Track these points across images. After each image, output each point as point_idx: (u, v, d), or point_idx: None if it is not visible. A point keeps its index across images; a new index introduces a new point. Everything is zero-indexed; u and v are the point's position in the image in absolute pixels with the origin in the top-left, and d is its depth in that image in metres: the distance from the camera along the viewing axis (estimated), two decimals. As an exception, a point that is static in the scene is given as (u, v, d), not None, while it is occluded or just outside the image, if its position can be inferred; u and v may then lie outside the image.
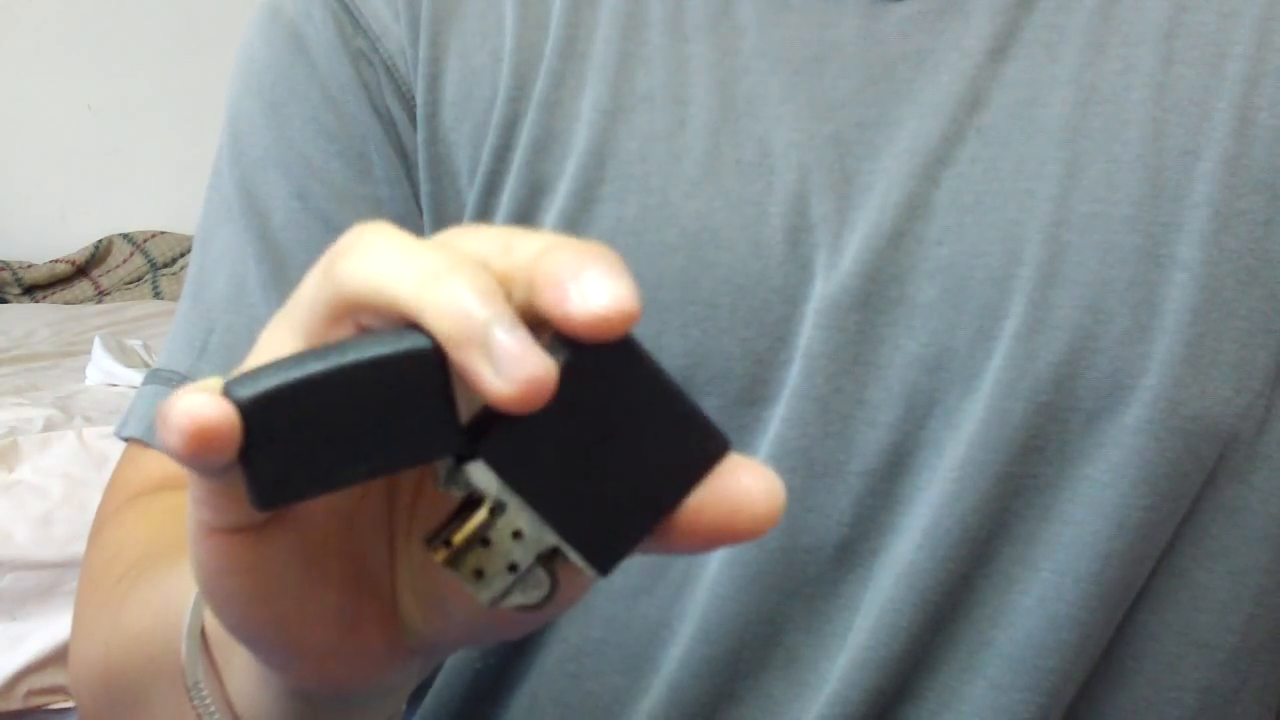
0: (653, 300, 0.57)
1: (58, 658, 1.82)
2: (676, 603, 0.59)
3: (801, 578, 0.58)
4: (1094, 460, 0.56)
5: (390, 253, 0.32)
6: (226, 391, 0.30)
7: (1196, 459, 0.57)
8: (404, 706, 0.47)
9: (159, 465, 0.64)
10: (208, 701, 0.45)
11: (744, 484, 0.33)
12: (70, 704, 1.85)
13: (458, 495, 0.32)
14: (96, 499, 1.75)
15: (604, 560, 0.33)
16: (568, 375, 0.31)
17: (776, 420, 0.57)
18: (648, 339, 0.56)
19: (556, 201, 0.59)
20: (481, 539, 0.32)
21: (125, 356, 2.26)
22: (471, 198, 0.61)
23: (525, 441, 0.31)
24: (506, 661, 0.62)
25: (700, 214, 0.58)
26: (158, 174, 3.06)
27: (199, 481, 0.33)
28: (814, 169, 0.58)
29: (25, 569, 1.82)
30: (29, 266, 2.98)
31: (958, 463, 0.56)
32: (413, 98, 0.62)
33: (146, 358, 2.27)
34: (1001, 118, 0.58)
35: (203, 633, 0.46)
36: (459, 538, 0.32)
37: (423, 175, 0.62)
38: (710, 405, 0.57)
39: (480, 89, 0.61)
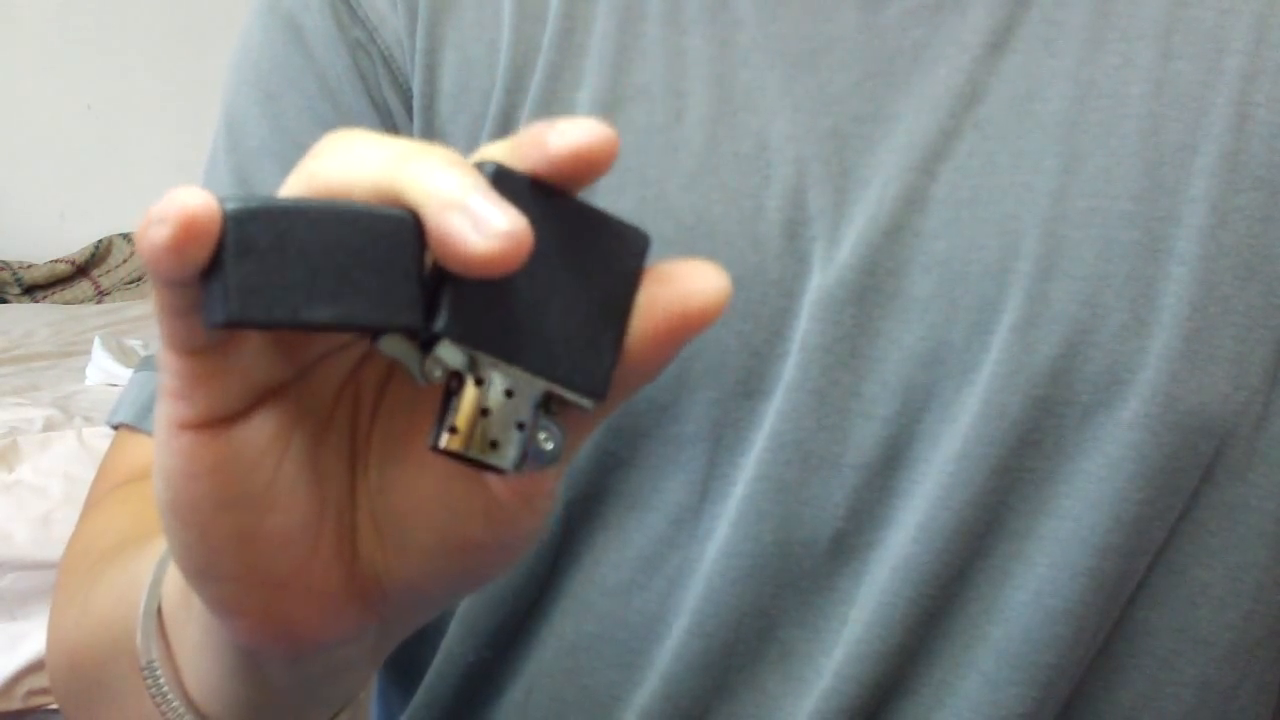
0: None
1: (58, 658, 1.83)
2: (671, 596, 0.59)
3: (796, 571, 0.58)
4: (1090, 454, 0.56)
5: (363, 144, 0.34)
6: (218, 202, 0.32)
7: (1193, 454, 0.57)
8: (360, 695, 0.46)
9: (146, 453, 0.64)
10: (161, 683, 0.45)
11: (684, 271, 0.34)
12: (70, 704, 1.85)
13: (440, 380, 0.33)
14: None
15: (595, 385, 0.34)
16: None
17: (772, 413, 0.57)
18: None
19: None
20: (481, 411, 0.33)
21: (125, 357, 2.27)
22: None
23: (476, 305, 0.33)
24: (500, 656, 0.62)
25: (697, 207, 0.58)
26: (158, 174, 3.06)
27: (175, 368, 0.34)
28: (811, 162, 0.58)
29: (25, 569, 1.82)
30: (29, 266, 2.98)
31: (953, 456, 0.56)
32: (410, 89, 0.62)
33: (146, 358, 2.27)
34: (999, 112, 0.58)
35: (159, 614, 0.46)
36: (461, 419, 0.33)
37: None
38: (706, 398, 0.57)
39: (477, 80, 0.61)
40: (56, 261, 2.99)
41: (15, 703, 1.81)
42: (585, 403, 0.34)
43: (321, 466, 0.37)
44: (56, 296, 2.96)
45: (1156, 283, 0.56)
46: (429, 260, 0.33)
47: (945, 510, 0.56)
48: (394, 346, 0.33)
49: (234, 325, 0.32)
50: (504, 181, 0.33)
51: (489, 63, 0.61)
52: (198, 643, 0.44)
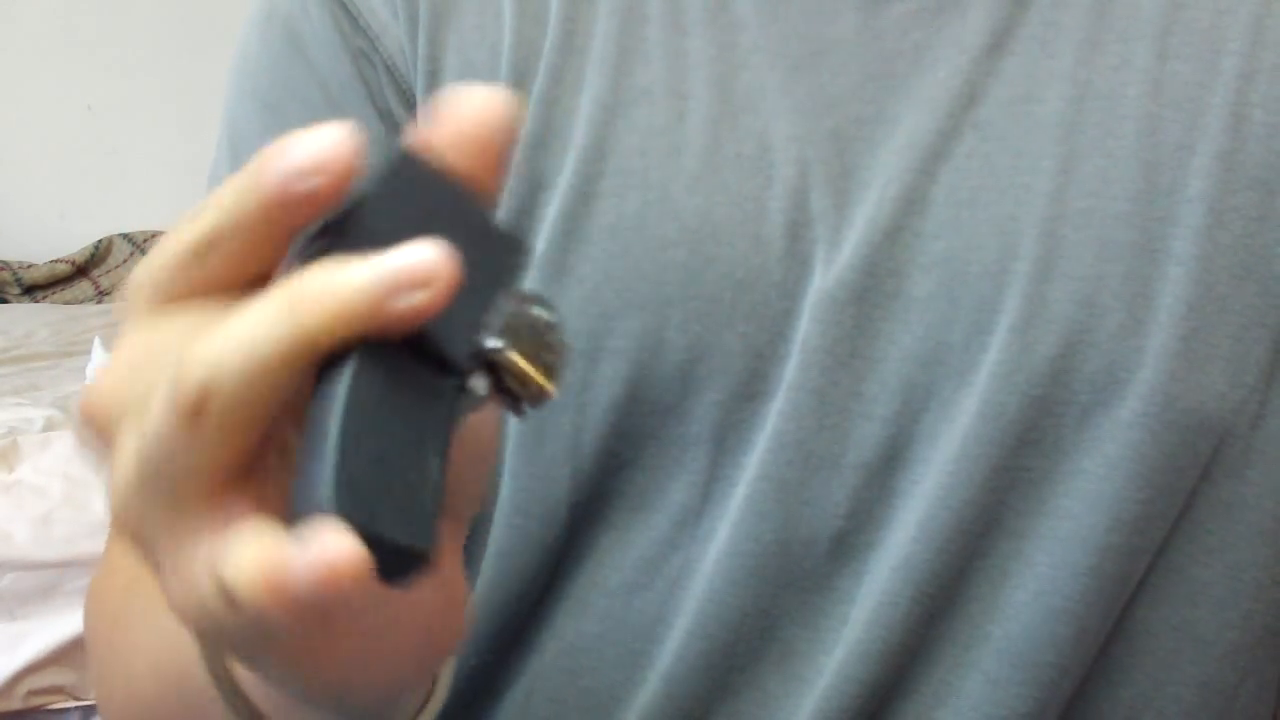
0: (654, 295, 0.58)
1: (58, 658, 1.83)
2: (673, 597, 0.59)
3: (797, 571, 0.58)
4: (1089, 454, 0.56)
5: (233, 333, 0.32)
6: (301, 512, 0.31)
7: (1192, 453, 0.57)
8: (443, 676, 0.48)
9: None
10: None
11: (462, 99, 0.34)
12: (70, 704, 1.85)
13: (487, 384, 0.34)
14: (97, 499, 1.75)
15: (520, 249, 0.35)
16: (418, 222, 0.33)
17: (774, 414, 0.57)
18: (649, 334, 0.57)
19: (556, 197, 0.59)
20: (526, 356, 0.34)
21: (125, 356, 2.26)
22: None
23: (445, 313, 0.32)
24: (500, 659, 0.62)
25: (701, 209, 0.58)
26: (158, 174, 3.06)
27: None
28: (813, 164, 0.58)
29: (25, 569, 1.82)
30: (29, 266, 2.98)
31: (953, 456, 0.56)
32: (413, 95, 0.62)
33: (146, 358, 2.27)
34: (998, 113, 0.58)
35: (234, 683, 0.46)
36: (532, 382, 0.34)
37: None
38: (710, 399, 0.58)
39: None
40: (56, 261, 2.99)
41: (15, 703, 1.81)
42: (524, 263, 0.35)
43: None
44: (56, 296, 2.96)
45: (1154, 283, 0.56)
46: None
47: (945, 510, 0.56)
48: (469, 408, 0.34)
49: (432, 558, 0.32)
50: (401, 172, 0.33)
51: (490, 67, 0.61)
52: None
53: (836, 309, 0.57)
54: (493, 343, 0.34)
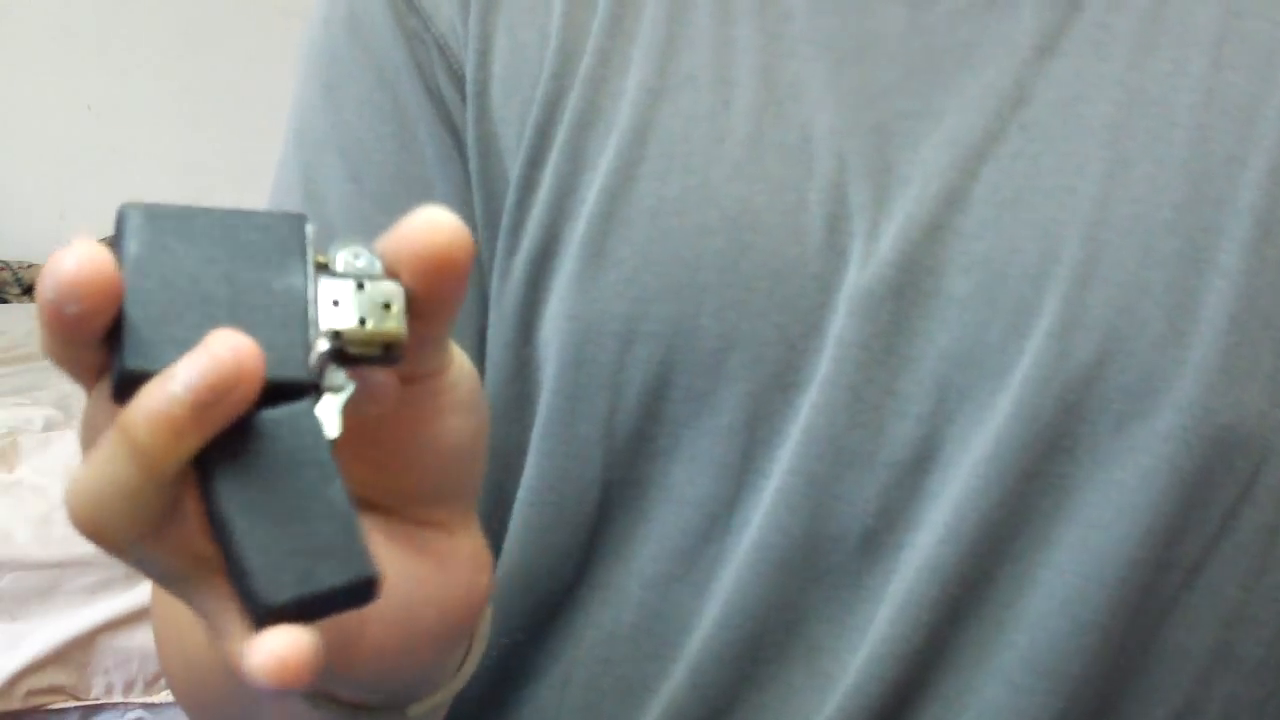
0: (690, 281, 0.57)
1: (58, 658, 1.83)
2: (705, 589, 0.59)
3: (825, 566, 0.58)
4: (1123, 464, 0.55)
5: (88, 510, 0.34)
6: (263, 620, 0.33)
7: (1229, 470, 0.55)
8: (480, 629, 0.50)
9: None
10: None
11: (420, 215, 0.35)
12: (70, 704, 1.85)
13: (344, 373, 0.35)
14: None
15: (289, 221, 0.35)
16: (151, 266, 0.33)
17: (807, 407, 0.57)
18: (684, 319, 0.57)
19: (598, 178, 0.59)
20: (360, 322, 0.35)
21: (125, 356, 2.26)
22: (515, 173, 0.61)
23: (268, 341, 0.33)
24: (535, 640, 0.62)
25: (741, 197, 0.58)
26: (158, 174, 3.06)
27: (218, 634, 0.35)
28: (854, 157, 0.58)
29: (25, 569, 1.82)
30: (29, 266, 2.98)
31: (984, 458, 0.56)
32: (464, 76, 0.62)
33: (146, 358, 2.27)
34: (1046, 114, 0.57)
35: None
36: (383, 332, 0.35)
37: (471, 152, 0.62)
38: (742, 390, 0.57)
39: (527, 65, 0.61)
40: (56, 261, 2.99)
41: (15, 703, 1.81)
42: (309, 231, 0.35)
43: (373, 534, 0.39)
44: (56, 296, 2.96)
45: (1197, 294, 0.55)
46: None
47: (974, 512, 0.56)
48: (332, 424, 0.34)
49: (379, 576, 0.34)
50: (146, 224, 0.34)
51: (539, 48, 0.61)
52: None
53: (873, 304, 0.56)
54: (321, 341, 0.34)
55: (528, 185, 0.60)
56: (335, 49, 0.64)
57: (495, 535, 0.64)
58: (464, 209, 0.62)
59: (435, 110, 0.62)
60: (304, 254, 0.35)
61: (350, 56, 0.63)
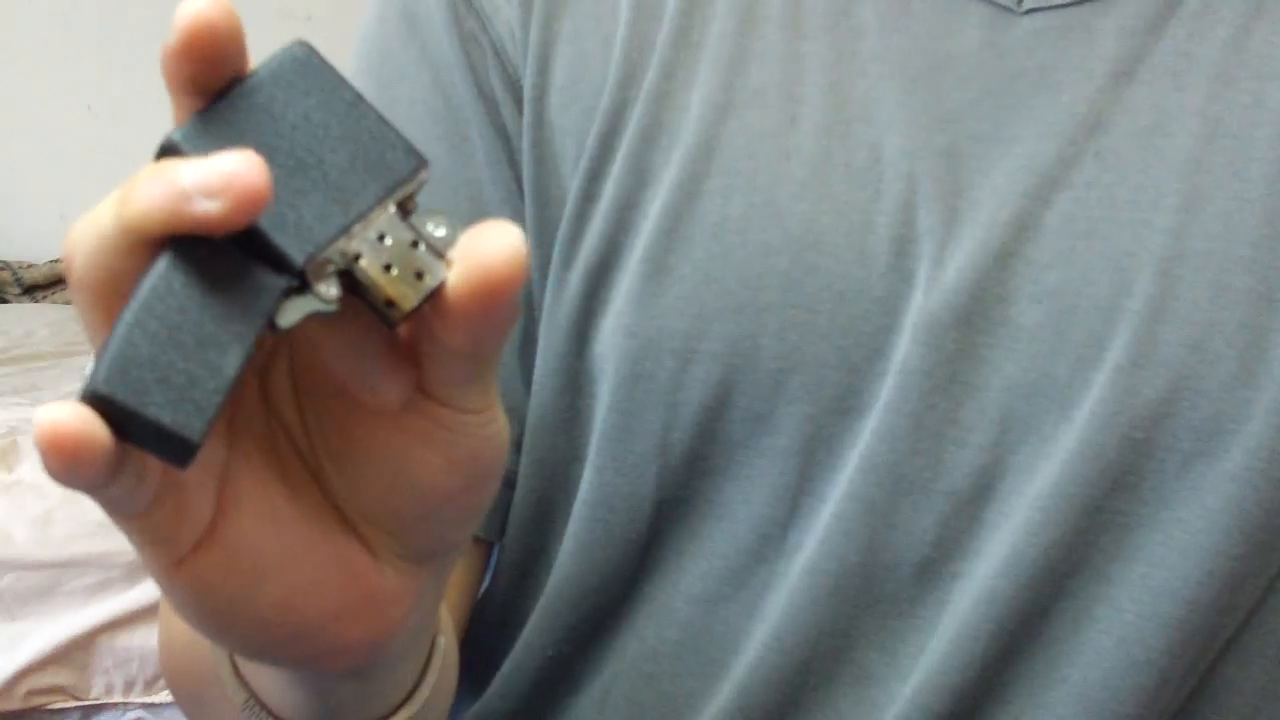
0: (752, 301, 0.57)
1: (58, 658, 1.83)
2: (755, 610, 0.58)
3: (879, 593, 0.57)
4: (1188, 504, 0.54)
5: (83, 230, 0.34)
6: (81, 397, 0.32)
7: None
8: (435, 660, 0.48)
9: None
10: (261, 714, 0.46)
11: (477, 238, 0.34)
12: (70, 704, 1.85)
13: (342, 292, 0.34)
14: (96, 499, 1.68)
15: (410, 160, 0.35)
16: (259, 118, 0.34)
17: (867, 433, 0.56)
18: (745, 339, 0.57)
19: (661, 193, 0.58)
20: (386, 269, 0.34)
21: (125, 356, 2.26)
22: (575, 185, 0.60)
23: (291, 219, 0.34)
24: (581, 652, 0.62)
25: (806, 217, 0.57)
26: (158, 174, 3.06)
27: (136, 529, 0.34)
28: (924, 179, 0.57)
29: (25, 569, 1.82)
30: (29, 266, 2.97)
31: (1046, 492, 0.55)
32: (519, 80, 0.61)
33: (146, 358, 2.27)
34: (1122, 143, 0.56)
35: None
36: (386, 290, 0.34)
37: (526, 159, 0.61)
38: (801, 412, 0.56)
39: (590, 74, 0.60)
40: (56, 261, 2.99)
41: (15, 703, 1.81)
42: (420, 176, 0.35)
43: (302, 504, 0.38)
44: (56, 296, 2.96)
45: (1269, 333, 0.54)
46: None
47: (1033, 546, 0.55)
48: (290, 315, 0.34)
49: (201, 444, 0.32)
50: (193, 139, 0.34)
51: (603, 58, 0.60)
52: (276, 681, 0.45)
53: (939, 331, 0.55)
54: (336, 252, 0.34)
55: (588, 197, 0.60)
56: (389, 47, 0.63)
57: (538, 546, 0.63)
58: (514, 214, 0.61)
59: (487, 113, 0.61)
60: (395, 183, 0.35)
61: (405, 55, 0.62)
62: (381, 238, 0.34)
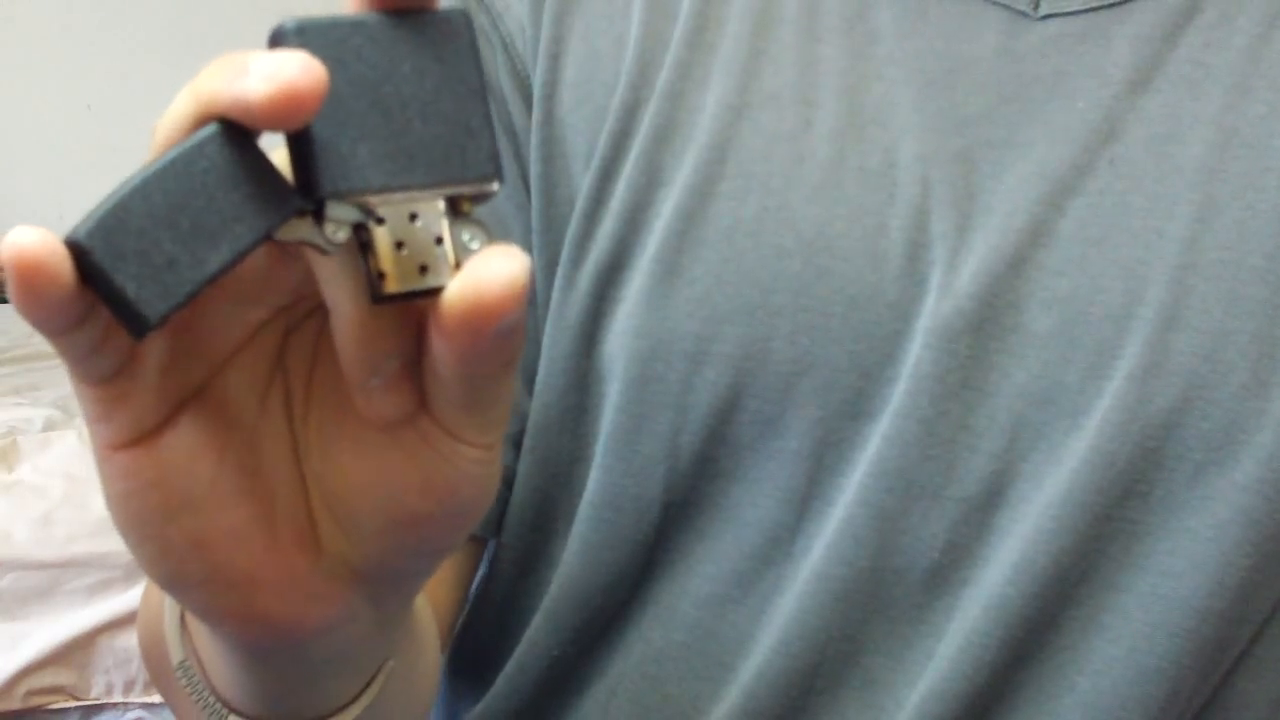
0: (763, 304, 0.56)
1: (58, 658, 1.83)
2: (762, 613, 0.58)
3: (887, 599, 0.57)
4: (1199, 513, 0.54)
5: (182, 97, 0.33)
6: (64, 239, 0.31)
7: None
8: (376, 683, 0.46)
9: None
10: (195, 680, 0.46)
11: (494, 260, 0.32)
12: (70, 704, 1.85)
13: (347, 240, 0.34)
14: (96, 499, 1.75)
15: (485, 168, 0.34)
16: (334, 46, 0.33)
17: (877, 437, 0.56)
18: (756, 342, 0.56)
19: (673, 194, 0.58)
20: (397, 245, 0.33)
21: (125, 356, 2.26)
22: (586, 183, 0.59)
23: (339, 154, 0.33)
24: (585, 653, 0.61)
25: (819, 220, 0.56)
26: (158, 174, 3.06)
27: (91, 397, 0.34)
28: (937, 184, 0.56)
29: (25, 569, 1.82)
30: (29, 266, 2.98)
31: (1057, 499, 0.55)
32: (527, 77, 0.61)
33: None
34: (1137, 151, 0.56)
35: (184, 616, 0.46)
36: (384, 262, 0.33)
37: (534, 156, 0.61)
38: (811, 416, 0.56)
39: (602, 73, 0.60)
40: (56, 261, 2.99)
41: (15, 703, 1.81)
42: (487, 188, 0.34)
43: (264, 460, 0.37)
44: (56, 296, 2.96)
45: None
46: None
47: (1043, 554, 0.55)
48: (291, 233, 0.33)
49: (160, 325, 0.32)
50: (304, 34, 0.33)
51: (615, 56, 0.60)
52: (209, 643, 0.44)
53: (951, 337, 0.55)
54: (365, 200, 0.33)
55: (599, 197, 0.59)
56: None
57: (539, 545, 0.63)
58: (519, 211, 0.61)
59: (495, 109, 0.61)
60: (459, 179, 0.34)
61: None
62: (414, 218, 0.34)
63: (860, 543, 0.56)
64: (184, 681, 0.46)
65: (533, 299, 0.61)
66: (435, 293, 0.33)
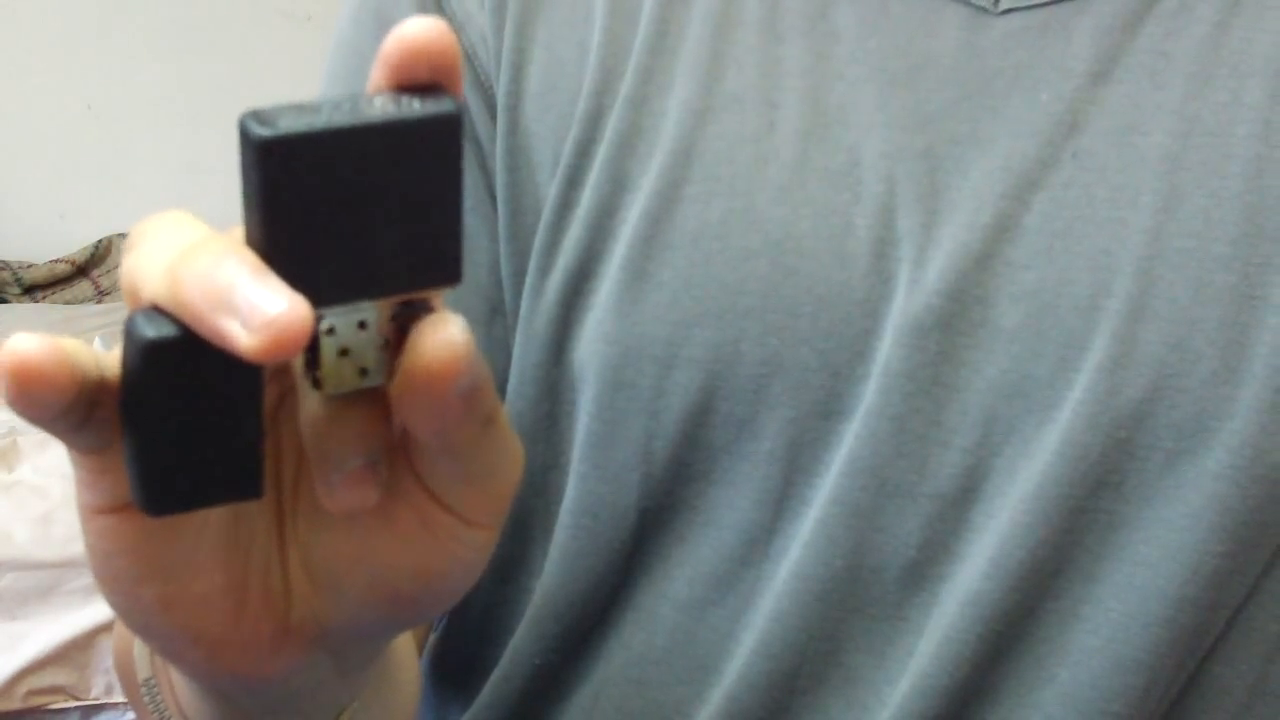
0: (732, 306, 0.56)
1: (58, 658, 1.83)
2: (742, 615, 0.58)
3: (866, 597, 0.57)
4: (1172, 502, 0.54)
5: (145, 248, 0.34)
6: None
7: (1279, 510, 0.55)
8: (345, 708, 0.46)
9: None
10: (159, 699, 0.46)
11: (425, 338, 0.32)
12: (70, 704, 1.85)
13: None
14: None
15: (448, 271, 0.34)
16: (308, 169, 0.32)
17: (850, 436, 0.56)
18: (726, 345, 0.56)
19: (639, 199, 0.58)
20: (341, 352, 0.34)
21: (125, 356, 2.26)
22: (552, 191, 0.59)
23: (300, 268, 0.32)
24: (568, 660, 0.62)
25: (785, 221, 0.57)
26: (158, 174, 3.06)
27: (79, 461, 0.35)
28: (902, 181, 0.57)
29: (25, 569, 1.82)
30: (29, 266, 2.98)
31: (1030, 493, 0.55)
32: (491, 87, 0.61)
33: (146, 358, 2.27)
34: (1100, 143, 0.56)
35: None
36: (324, 369, 0.34)
37: (500, 166, 0.61)
38: (784, 416, 0.56)
39: (565, 81, 0.60)
40: (56, 261, 2.99)
41: (15, 703, 1.81)
42: (447, 289, 0.34)
43: (246, 530, 0.38)
44: (56, 296, 2.96)
45: (1250, 330, 0.54)
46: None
47: (1019, 547, 0.55)
48: None
49: (264, 492, 0.35)
50: (276, 150, 0.31)
51: (578, 63, 0.60)
52: (175, 673, 0.45)
53: (920, 334, 0.55)
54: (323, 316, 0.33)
55: (565, 204, 0.59)
56: (362, 52, 0.63)
57: (517, 553, 0.63)
58: (484, 221, 0.61)
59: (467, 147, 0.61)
60: (422, 285, 0.33)
61: (375, 56, 0.63)
62: (362, 325, 0.33)
63: (837, 542, 0.56)
64: (147, 699, 0.46)
65: (502, 308, 0.62)
66: (373, 390, 0.34)
